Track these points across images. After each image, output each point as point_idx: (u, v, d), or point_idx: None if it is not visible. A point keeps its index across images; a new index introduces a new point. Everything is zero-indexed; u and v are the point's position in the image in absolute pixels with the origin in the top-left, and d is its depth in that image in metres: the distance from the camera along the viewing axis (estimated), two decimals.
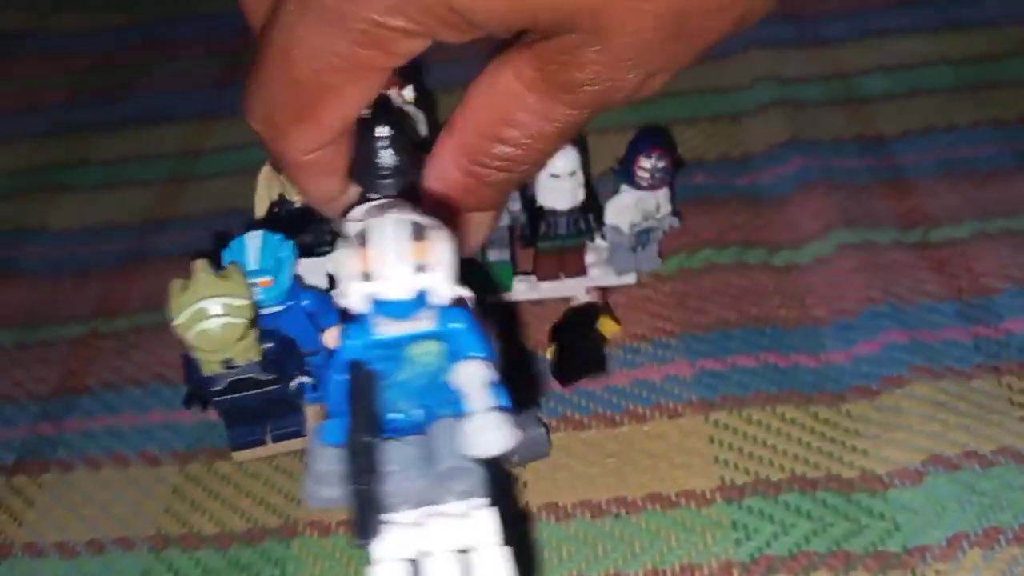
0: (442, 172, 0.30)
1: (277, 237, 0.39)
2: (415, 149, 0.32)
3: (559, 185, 0.43)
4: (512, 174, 0.30)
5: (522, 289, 0.47)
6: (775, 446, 0.40)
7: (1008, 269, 0.45)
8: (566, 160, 0.43)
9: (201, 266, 0.36)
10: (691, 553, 0.37)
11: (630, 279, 0.46)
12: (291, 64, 0.27)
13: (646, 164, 0.43)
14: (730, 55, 0.64)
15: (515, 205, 0.46)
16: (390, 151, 0.31)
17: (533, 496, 0.40)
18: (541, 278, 0.46)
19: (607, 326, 0.45)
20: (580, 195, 0.44)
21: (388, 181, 0.31)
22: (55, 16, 0.85)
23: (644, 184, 0.44)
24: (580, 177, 0.44)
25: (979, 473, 0.37)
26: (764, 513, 0.38)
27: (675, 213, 0.46)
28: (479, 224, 0.32)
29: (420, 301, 0.27)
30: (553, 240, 0.45)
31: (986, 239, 0.47)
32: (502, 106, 0.28)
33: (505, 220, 0.46)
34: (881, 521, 0.37)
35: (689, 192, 0.54)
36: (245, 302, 0.36)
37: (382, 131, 0.31)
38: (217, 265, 0.37)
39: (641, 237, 0.45)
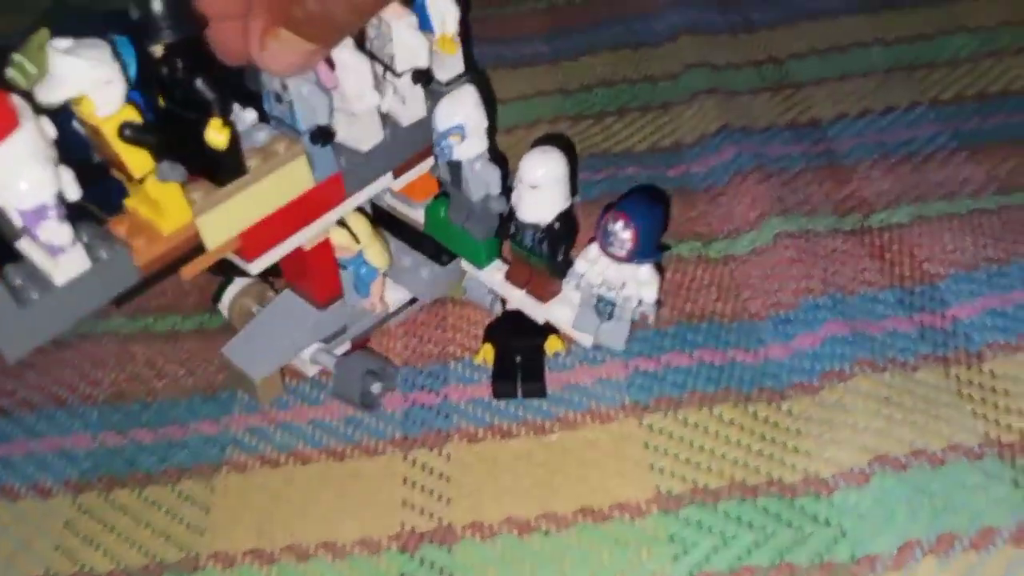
0: None
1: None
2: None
3: (527, 195, 0.39)
4: (318, 9, 0.31)
5: (489, 271, 0.43)
6: (713, 450, 0.38)
7: (951, 254, 0.44)
8: (530, 169, 0.38)
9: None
10: (626, 571, 0.34)
11: (585, 341, 0.41)
12: None
13: (607, 226, 0.38)
14: (660, 43, 0.62)
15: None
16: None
17: (457, 514, 0.37)
18: (508, 278, 0.43)
19: (553, 344, 0.43)
20: (546, 215, 0.39)
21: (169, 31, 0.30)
22: None
23: (602, 246, 0.39)
24: (548, 196, 0.39)
25: (929, 472, 0.35)
26: (703, 524, 0.35)
27: (658, 303, 0.40)
28: (287, 42, 0.32)
29: None
30: (520, 247, 0.41)
31: (927, 223, 0.46)
32: None
33: (502, 207, 0.41)
34: (827, 528, 0.34)
35: (619, 185, 0.51)
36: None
37: None
38: None
39: (603, 306, 0.40)
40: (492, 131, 0.41)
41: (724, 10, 0.64)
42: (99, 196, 0.33)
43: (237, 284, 0.45)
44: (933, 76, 0.55)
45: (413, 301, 0.46)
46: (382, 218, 0.47)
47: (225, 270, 0.39)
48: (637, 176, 0.52)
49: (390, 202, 0.46)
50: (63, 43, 0.29)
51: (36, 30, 0.31)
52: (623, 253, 0.38)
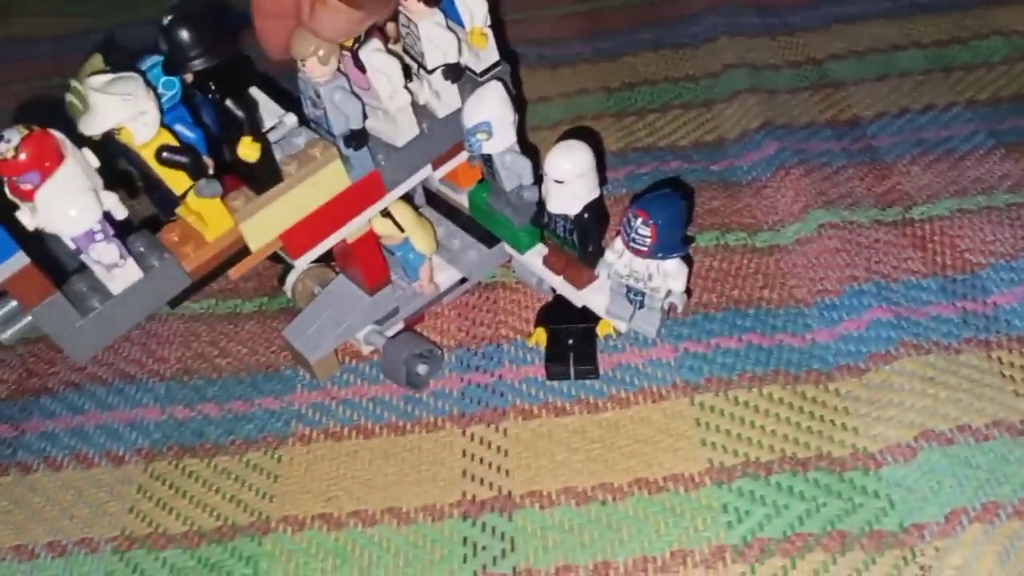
0: None
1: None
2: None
3: (553, 189, 0.40)
4: None
5: (531, 255, 0.45)
6: (763, 427, 0.39)
7: (992, 244, 0.45)
8: (555, 165, 0.39)
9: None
10: (681, 539, 0.36)
11: (620, 325, 0.43)
12: None
13: (628, 223, 0.38)
14: (699, 44, 0.64)
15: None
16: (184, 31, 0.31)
17: (515, 484, 0.39)
18: (546, 264, 0.44)
19: (604, 326, 0.44)
20: (572, 207, 0.40)
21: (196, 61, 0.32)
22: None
23: (625, 242, 0.39)
24: (574, 189, 0.39)
25: (973, 447, 0.36)
26: (755, 495, 0.37)
27: (687, 293, 0.41)
28: (333, 9, 0.34)
29: None
30: (553, 236, 0.43)
31: (967, 216, 0.47)
32: None
33: (535, 196, 0.43)
34: (876, 500, 0.36)
35: (664, 178, 0.53)
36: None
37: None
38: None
39: (633, 296, 0.41)
40: (521, 123, 0.42)
41: (762, 13, 0.66)
42: (163, 201, 0.36)
43: (300, 267, 0.47)
44: (969, 78, 0.57)
45: (463, 281, 0.47)
46: (433, 201, 0.49)
47: (284, 259, 0.41)
48: (681, 169, 0.53)
49: (438, 187, 0.48)
50: (97, 80, 0.32)
51: (90, 57, 0.33)
52: (644, 249, 0.39)
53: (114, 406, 0.45)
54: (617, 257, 0.40)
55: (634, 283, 0.41)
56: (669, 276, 0.40)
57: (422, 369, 0.44)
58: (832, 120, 0.56)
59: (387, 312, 0.45)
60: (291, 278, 0.47)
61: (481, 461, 0.40)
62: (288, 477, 0.41)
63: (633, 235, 0.38)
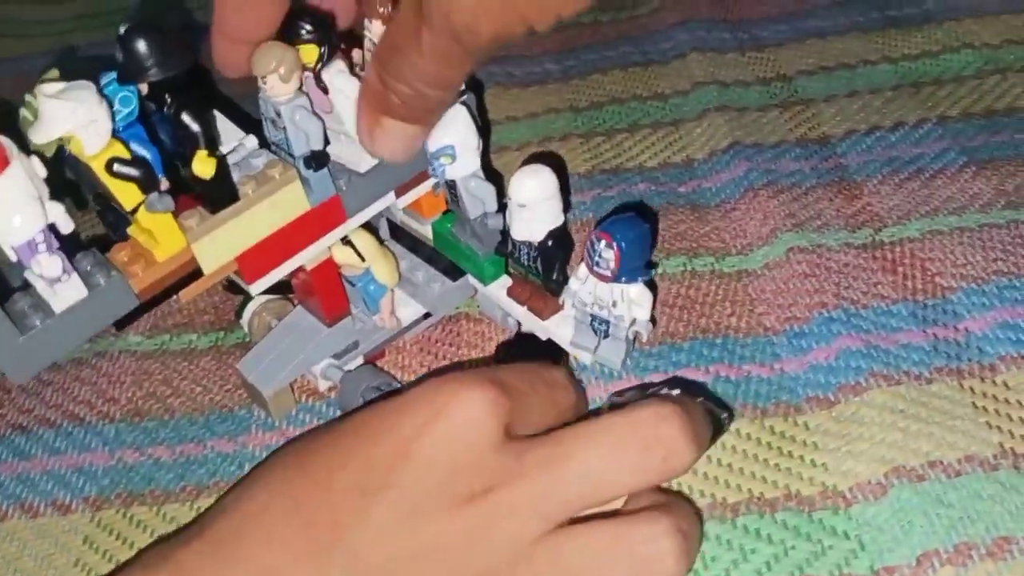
0: (367, 76, 0.34)
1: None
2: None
3: (517, 214, 0.39)
4: (409, 92, 0.33)
5: (495, 287, 0.44)
6: (730, 464, 0.38)
7: (963, 267, 0.44)
8: (518, 189, 0.39)
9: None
10: None
11: (584, 358, 0.41)
12: None
13: (592, 246, 0.38)
14: (669, 61, 0.63)
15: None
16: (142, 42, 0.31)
17: None
18: (510, 294, 0.43)
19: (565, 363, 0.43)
20: (536, 233, 0.40)
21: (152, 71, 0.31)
22: None
23: (589, 266, 0.38)
24: (538, 214, 0.39)
25: (945, 483, 0.35)
26: (721, 539, 0.35)
27: (652, 322, 0.40)
28: (390, 130, 0.34)
29: None
30: (517, 265, 0.42)
31: (938, 237, 0.46)
32: (399, 38, 0.32)
33: (499, 224, 0.41)
34: (846, 541, 0.34)
35: (631, 200, 0.52)
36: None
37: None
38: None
39: (598, 325, 0.40)
40: (485, 149, 0.41)
41: (732, 28, 0.65)
42: (116, 222, 0.35)
43: (257, 300, 0.45)
44: (940, 93, 0.56)
45: (427, 316, 0.46)
46: (397, 233, 0.48)
47: (241, 289, 0.40)
48: (648, 191, 0.52)
49: (402, 219, 0.46)
50: (50, 88, 0.31)
51: (46, 71, 0.32)
52: (608, 273, 0.38)
53: (62, 450, 0.44)
54: (581, 284, 0.39)
55: (598, 311, 0.39)
56: (634, 303, 0.39)
57: None
58: (802, 139, 0.55)
59: (346, 345, 0.44)
60: (248, 311, 0.46)
61: None
62: None
63: (596, 258, 0.37)
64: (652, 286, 0.39)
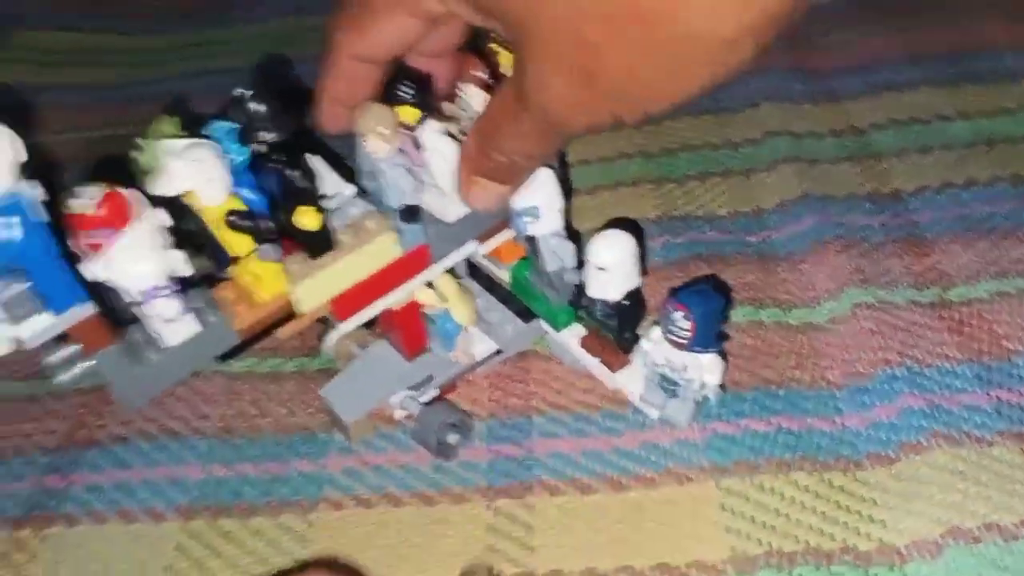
0: (467, 142, 0.37)
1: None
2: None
3: (594, 275, 0.42)
4: (504, 160, 0.36)
5: (566, 334, 0.46)
6: (788, 515, 0.39)
7: None
8: (598, 253, 0.41)
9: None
10: None
11: (651, 413, 0.43)
12: None
13: (668, 315, 0.39)
14: (741, 110, 0.64)
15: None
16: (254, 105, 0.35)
17: (539, 562, 0.39)
18: (583, 345, 0.45)
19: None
20: (612, 293, 0.42)
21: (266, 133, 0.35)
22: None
23: (664, 332, 0.40)
24: (615, 277, 0.41)
25: (1001, 547, 0.36)
26: None
27: (722, 388, 0.42)
28: (485, 187, 0.37)
29: None
30: (591, 319, 0.44)
31: (1006, 299, 0.47)
32: (500, 115, 0.35)
33: (575, 279, 0.44)
34: None
35: (700, 248, 0.53)
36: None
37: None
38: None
39: (667, 385, 0.42)
40: (567, 210, 0.43)
41: (805, 79, 0.66)
42: (222, 258, 0.38)
43: (340, 328, 0.48)
44: (1014, 151, 0.56)
45: (498, 353, 0.48)
46: (476, 274, 0.50)
47: (327, 319, 0.43)
48: (717, 240, 0.54)
49: (481, 261, 0.49)
50: (173, 145, 0.34)
51: (159, 118, 0.36)
52: (682, 341, 0.40)
53: (158, 462, 0.47)
54: (654, 346, 0.41)
55: (669, 372, 0.41)
56: (705, 369, 0.41)
57: (452, 439, 0.44)
58: (873, 193, 0.55)
59: (422, 378, 0.46)
60: (332, 337, 0.49)
61: (508, 536, 0.41)
62: (317, 542, 0.42)
63: (671, 327, 0.39)
64: (723, 354, 0.41)
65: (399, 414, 0.47)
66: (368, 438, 0.46)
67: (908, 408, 0.42)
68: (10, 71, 0.85)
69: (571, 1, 0.28)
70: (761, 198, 0.56)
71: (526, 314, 0.48)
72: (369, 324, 0.48)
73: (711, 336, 0.39)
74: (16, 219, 0.30)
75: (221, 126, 0.36)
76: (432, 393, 0.47)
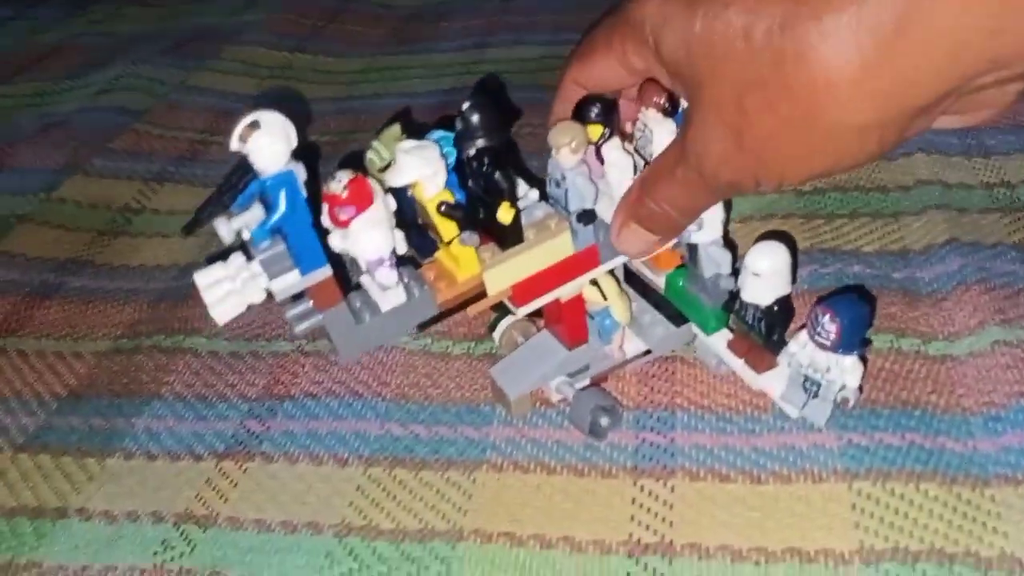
0: (629, 188, 0.43)
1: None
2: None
3: (750, 280, 0.46)
4: (659, 211, 0.41)
5: (716, 338, 0.50)
6: (916, 519, 0.42)
7: None
8: (755, 260, 0.45)
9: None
10: None
11: (790, 411, 0.48)
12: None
13: (816, 317, 0.43)
14: (895, 158, 0.67)
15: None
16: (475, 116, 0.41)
17: (677, 534, 0.44)
18: (730, 347, 0.50)
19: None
20: (764, 299, 0.46)
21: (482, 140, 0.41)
22: None
23: (811, 334, 0.44)
24: (769, 283, 0.45)
25: None
26: None
27: (860, 390, 0.46)
28: (635, 233, 0.43)
29: None
30: (742, 323, 0.48)
31: None
32: (662, 166, 0.40)
33: (730, 286, 0.48)
34: None
35: (846, 280, 0.57)
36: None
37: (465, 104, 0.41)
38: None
39: (809, 385, 0.46)
40: (726, 221, 0.48)
41: (961, 134, 0.69)
42: (421, 246, 0.45)
43: (509, 318, 0.54)
44: None
45: (647, 353, 0.53)
46: (631, 279, 0.56)
47: (500, 308, 0.49)
48: (863, 274, 0.57)
49: (638, 267, 0.54)
50: (408, 144, 0.41)
51: (389, 125, 0.43)
52: (828, 343, 0.43)
53: (343, 416, 0.54)
54: (800, 348, 0.45)
55: (812, 373, 0.45)
56: (846, 371, 0.44)
57: (604, 421, 0.50)
58: (1021, 243, 0.58)
59: (580, 367, 0.52)
60: (501, 326, 0.55)
61: (648, 510, 0.45)
62: (480, 497, 0.48)
63: (819, 330, 0.43)
64: (864, 359, 0.45)
65: (556, 397, 0.52)
66: (527, 414, 0.52)
67: None
68: (225, 80, 0.97)
69: (741, 73, 0.33)
70: (908, 240, 0.59)
71: (677, 318, 0.52)
72: (533, 318, 0.54)
73: (855, 340, 0.43)
74: (285, 191, 0.38)
75: (437, 132, 0.43)
76: (586, 382, 0.52)
